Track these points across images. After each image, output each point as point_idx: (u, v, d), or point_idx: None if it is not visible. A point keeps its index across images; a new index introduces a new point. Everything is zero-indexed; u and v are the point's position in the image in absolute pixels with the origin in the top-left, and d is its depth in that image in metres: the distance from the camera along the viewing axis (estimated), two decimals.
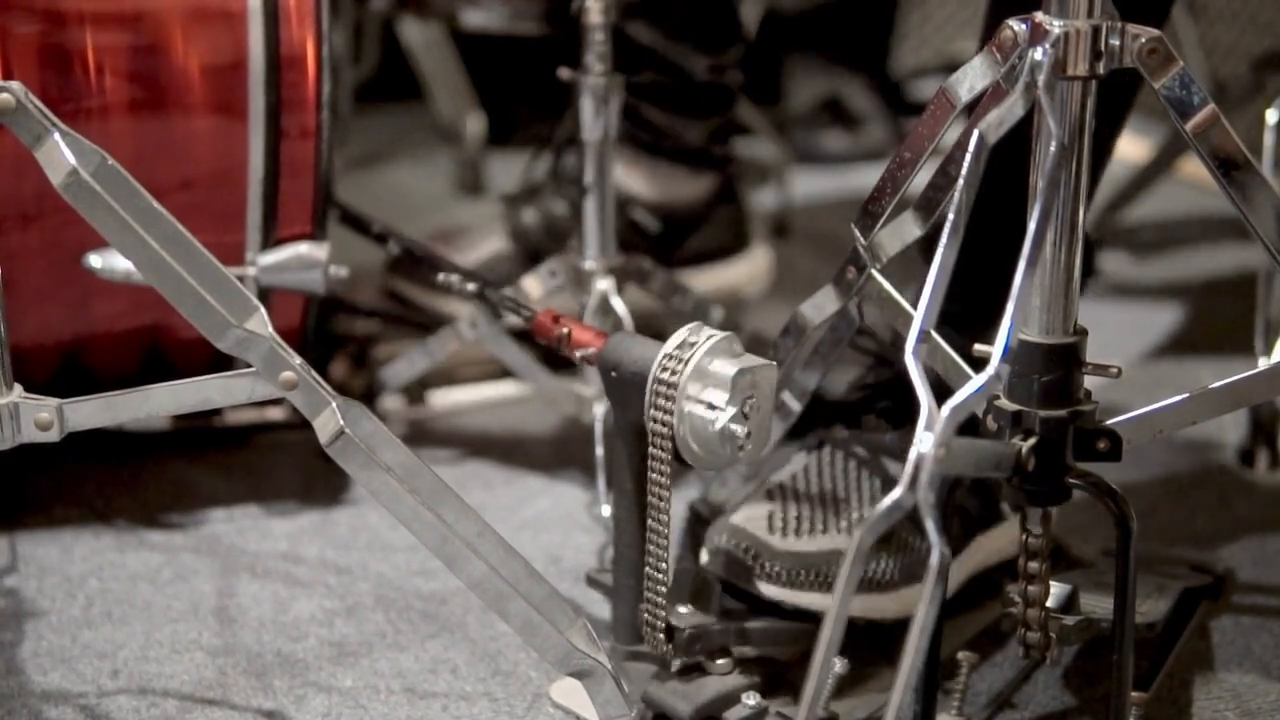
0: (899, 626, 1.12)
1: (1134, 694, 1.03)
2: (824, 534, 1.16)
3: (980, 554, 1.23)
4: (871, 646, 1.13)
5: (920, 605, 0.83)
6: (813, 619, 1.13)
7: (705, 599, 1.17)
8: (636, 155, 1.67)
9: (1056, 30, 0.94)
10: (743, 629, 1.14)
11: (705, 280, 1.68)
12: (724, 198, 1.72)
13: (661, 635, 1.09)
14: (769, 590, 1.14)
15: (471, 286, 1.38)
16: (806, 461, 1.23)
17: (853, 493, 1.19)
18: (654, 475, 1.07)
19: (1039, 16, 0.95)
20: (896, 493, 0.84)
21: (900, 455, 1.20)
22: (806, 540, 1.15)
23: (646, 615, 1.09)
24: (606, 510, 1.35)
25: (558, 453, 1.52)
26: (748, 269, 1.74)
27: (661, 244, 1.67)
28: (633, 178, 1.67)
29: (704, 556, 1.18)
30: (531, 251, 1.63)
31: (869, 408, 1.25)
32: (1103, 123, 0.99)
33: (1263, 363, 1.35)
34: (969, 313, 1.16)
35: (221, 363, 1.13)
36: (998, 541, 1.23)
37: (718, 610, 1.16)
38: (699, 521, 1.29)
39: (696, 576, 1.19)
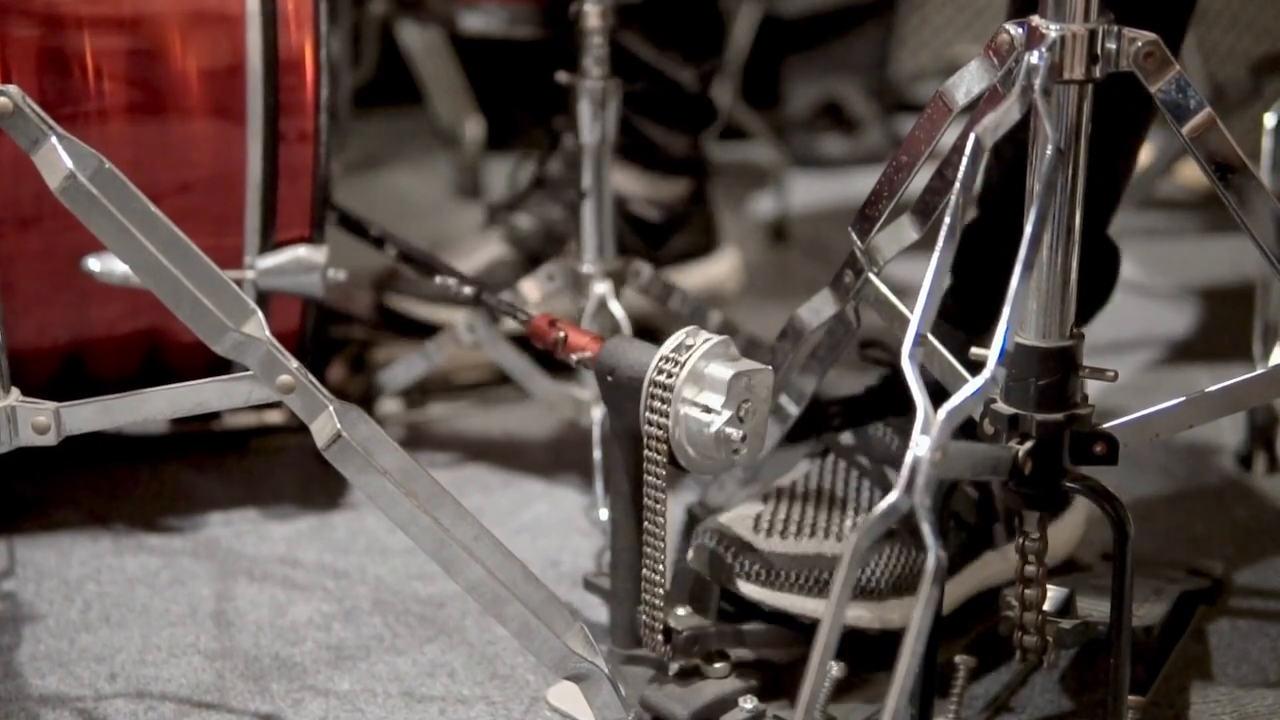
0: (885, 636, 1.12)
1: (1131, 698, 1.03)
2: (810, 538, 1.15)
3: (989, 569, 1.22)
4: (867, 650, 1.13)
5: (917, 608, 0.83)
6: (791, 621, 1.13)
7: (703, 601, 1.17)
8: (624, 158, 1.71)
9: (1053, 34, 0.94)
10: (739, 631, 1.14)
11: (691, 278, 1.73)
12: (697, 200, 1.78)
13: (660, 637, 1.09)
14: (748, 589, 1.13)
15: (468, 290, 1.38)
16: (809, 468, 1.23)
17: (850, 499, 1.19)
18: (649, 479, 1.07)
19: (1035, 20, 0.95)
20: (893, 496, 0.84)
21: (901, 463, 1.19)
22: (790, 543, 1.15)
23: (644, 617, 1.09)
24: (604, 514, 1.35)
25: (555, 457, 1.52)
26: (725, 267, 1.78)
27: (656, 237, 1.72)
28: (624, 177, 1.70)
29: (689, 554, 1.17)
30: (531, 256, 1.64)
31: (876, 414, 1.24)
32: (1120, 126, 0.97)
33: (1260, 366, 1.35)
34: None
35: (220, 366, 1.13)
36: (1008, 561, 1.22)
37: (715, 612, 1.16)
38: (696, 525, 1.29)
39: (695, 578, 1.19)
